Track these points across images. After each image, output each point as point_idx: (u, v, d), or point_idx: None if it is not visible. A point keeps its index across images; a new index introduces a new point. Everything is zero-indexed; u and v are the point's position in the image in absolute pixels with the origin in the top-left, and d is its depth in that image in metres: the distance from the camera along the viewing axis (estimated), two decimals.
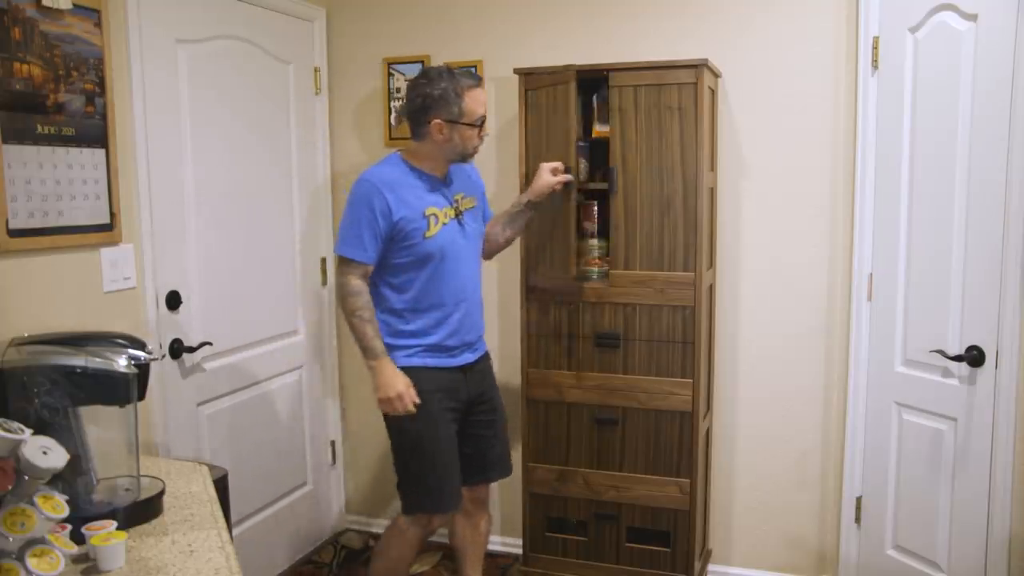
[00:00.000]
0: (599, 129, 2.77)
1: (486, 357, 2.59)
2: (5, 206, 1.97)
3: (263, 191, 2.96)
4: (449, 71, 2.32)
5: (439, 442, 2.37)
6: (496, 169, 3.11)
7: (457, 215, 2.41)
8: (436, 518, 2.45)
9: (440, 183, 2.41)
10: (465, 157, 2.40)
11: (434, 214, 2.35)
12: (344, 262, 2.32)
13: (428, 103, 2.29)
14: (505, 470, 2.63)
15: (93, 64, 2.20)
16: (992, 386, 2.28)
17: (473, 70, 3.10)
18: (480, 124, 2.34)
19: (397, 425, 2.38)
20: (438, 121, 2.29)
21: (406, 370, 2.35)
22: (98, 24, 2.21)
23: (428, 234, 2.32)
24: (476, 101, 2.31)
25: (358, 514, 3.54)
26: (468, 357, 2.48)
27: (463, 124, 2.31)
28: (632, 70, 2.62)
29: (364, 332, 2.31)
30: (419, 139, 2.36)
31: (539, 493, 2.88)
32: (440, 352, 2.41)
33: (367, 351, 2.32)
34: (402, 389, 2.29)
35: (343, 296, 2.32)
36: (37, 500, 1.41)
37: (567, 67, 2.59)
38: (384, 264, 2.35)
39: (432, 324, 2.39)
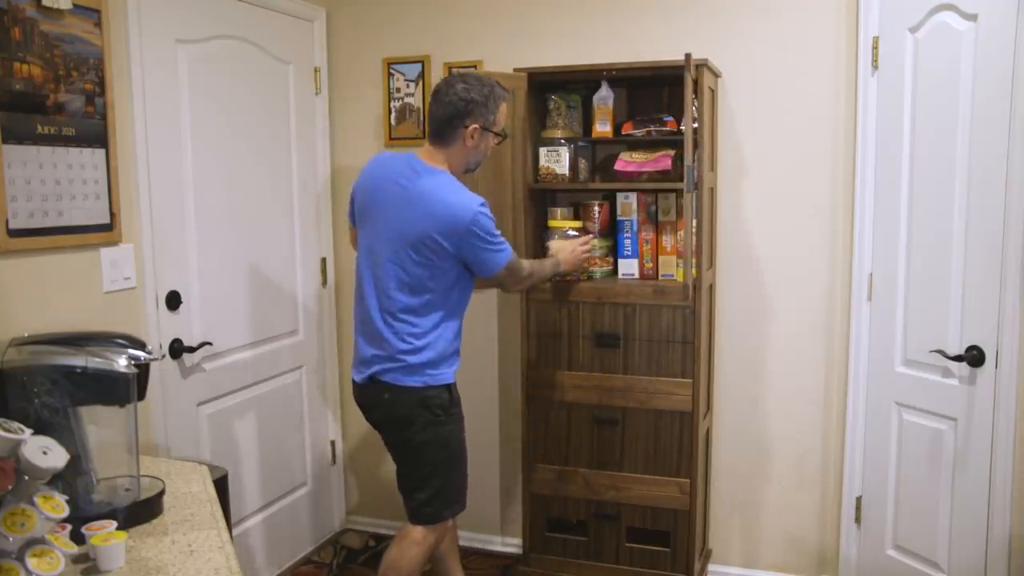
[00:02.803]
0: (599, 129, 2.77)
1: None
2: (5, 206, 1.97)
3: (263, 191, 2.96)
4: (487, 78, 2.33)
5: (466, 450, 2.45)
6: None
7: None
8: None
9: None
10: (476, 168, 2.40)
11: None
12: (510, 265, 2.32)
13: (471, 107, 2.26)
14: None
15: (93, 64, 2.20)
16: (992, 386, 2.28)
17: (473, 70, 3.10)
18: (504, 137, 2.37)
19: (445, 440, 2.34)
20: (475, 126, 2.27)
21: (452, 388, 2.36)
22: (98, 24, 2.22)
23: None
24: (504, 114, 2.35)
25: (358, 514, 3.54)
26: None
27: (492, 133, 2.32)
28: (632, 70, 2.62)
29: (541, 272, 2.51)
30: (448, 144, 2.30)
31: (539, 493, 2.88)
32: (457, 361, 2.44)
33: (548, 272, 2.53)
34: (572, 252, 2.62)
35: (526, 280, 2.45)
36: (37, 500, 1.41)
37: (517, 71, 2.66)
38: (462, 279, 2.33)
39: (458, 335, 2.40)
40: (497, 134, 2.34)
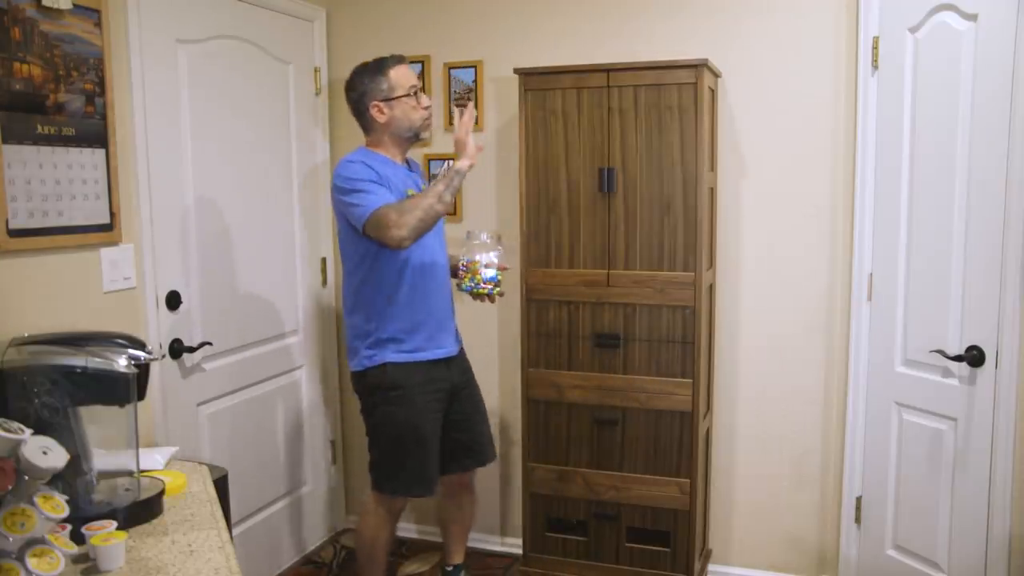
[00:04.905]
0: None
1: (462, 348, 2.68)
2: (5, 206, 1.97)
3: (263, 191, 2.96)
4: (371, 61, 2.46)
5: (425, 433, 2.46)
6: (496, 168, 3.11)
7: None
8: (399, 500, 2.56)
9: (408, 170, 2.52)
10: (418, 132, 2.47)
11: (412, 195, 2.38)
12: (372, 220, 2.24)
13: (363, 91, 2.43)
14: (493, 453, 2.74)
15: (93, 64, 2.20)
16: (992, 386, 2.28)
17: (473, 70, 3.11)
18: (414, 94, 2.43)
19: (383, 412, 2.46)
20: (376, 103, 2.42)
21: (394, 367, 2.43)
22: (98, 24, 2.21)
23: None
24: (401, 74, 2.43)
25: (358, 514, 3.54)
26: (452, 348, 2.56)
27: (396, 98, 2.41)
28: (632, 70, 2.62)
29: (428, 203, 2.21)
30: (370, 132, 2.48)
31: (539, 493, 2.88)
32: (427, 344, 2.48)
33: (444, 196, 2.23)
34: (471, 146, 2.27)
35: (395, 225, 2.20)
36: (37, 500, 1.41)
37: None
38: (370, 255, 2.39)
39: (421, 314, 2.45)
40: (405, 95, 2.41)
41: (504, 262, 2.48)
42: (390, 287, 2.42)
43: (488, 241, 2.47)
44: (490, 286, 2.43)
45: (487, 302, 2.50)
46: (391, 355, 2.43)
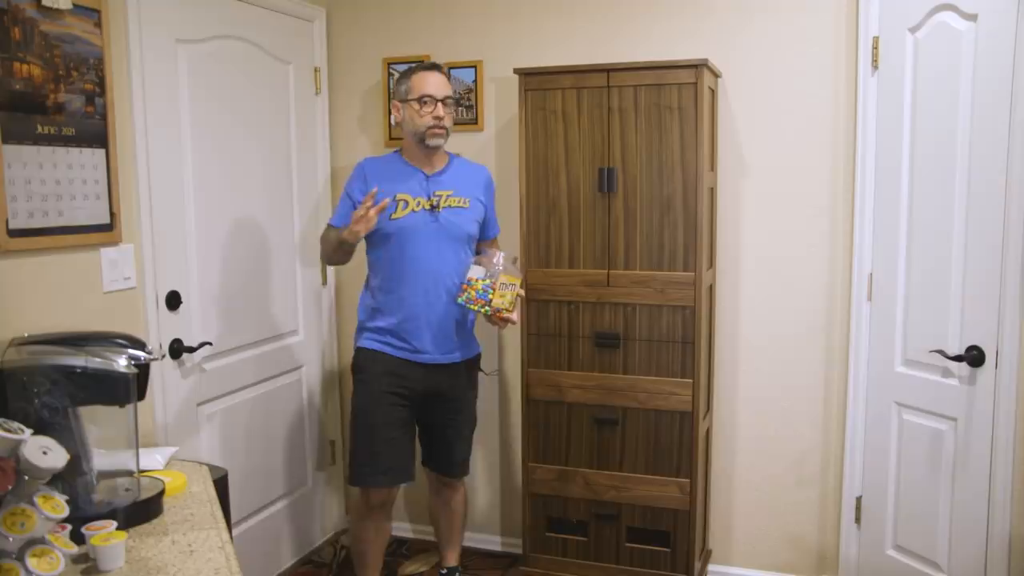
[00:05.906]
0: None
1: (465, 364, 2.65)
2: (5, 206, 1.97)
3: (263, 191, 2.96)
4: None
5: (376, 422, 2.50)
6: (495, 168, 3.11)
7: (432, 207, 2.50)
8: (372, 491, 2.56)
9: (423, 176, 2.55)
10: (422, 137, 2.50)
11: (404, 199, 2.50)
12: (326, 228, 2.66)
13: (393, 91, 2.65)
14: (462, 472, 2.76)
15: (93, 64, 2.20)
16: (992, 386, 2.28)
17: (473, 70, 3.11)
18: (421, 100, 2.47)
19: (352, 399, 2.60)
20: (394, 102, 2.58)
21: (360, 351, 2.58)
22: (98, 24, 2.21)
23: (393, 216, 2.48)
24: (422, 81, 2.51)
25: None
26: (431, 356, 2.55)
27: (407, 101, 2.51)
28: (632, 70, 2.63)
29: (325, 250, 2.64)
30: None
31: (539, 493, 2.88)
32: (397, 343, 2.53)
33: (341, 243, 2.49)
34: (353, 223, 2.39)
35: (322, 247, 2.68)
36: (37, 500, 1.41)
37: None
38: (368, 251, 2.59)
39: (393, 310, 2.53)
40: (414, 100, 2.48)
41: (511, 284, 2.44)
42: (375, 283, 2.58)
43: (495, 262, 2.47)
44: (479, 304, 2.44)
45: (498, 325, 2.50)
46: (363, 341, 2.58)
